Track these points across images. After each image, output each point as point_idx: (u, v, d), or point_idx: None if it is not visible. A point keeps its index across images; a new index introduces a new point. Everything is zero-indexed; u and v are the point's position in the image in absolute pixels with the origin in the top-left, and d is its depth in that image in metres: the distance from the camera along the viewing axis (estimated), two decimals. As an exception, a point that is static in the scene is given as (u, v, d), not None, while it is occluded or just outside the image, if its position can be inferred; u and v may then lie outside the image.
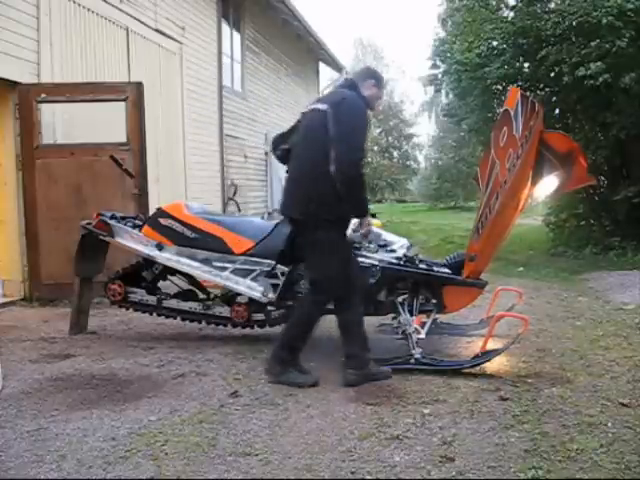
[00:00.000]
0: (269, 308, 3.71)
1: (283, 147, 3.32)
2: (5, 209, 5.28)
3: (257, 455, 2.26)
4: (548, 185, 3.26)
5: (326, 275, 3.03)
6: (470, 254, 3.34)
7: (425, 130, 32.88)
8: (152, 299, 3.91)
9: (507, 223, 3.29)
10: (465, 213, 21.59)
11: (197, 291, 3.98)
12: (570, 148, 3.17)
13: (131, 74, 6.64)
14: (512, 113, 3.11)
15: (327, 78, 20.25)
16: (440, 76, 9.91)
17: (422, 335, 3.26)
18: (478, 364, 3.15)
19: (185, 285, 3.99)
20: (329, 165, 2.88)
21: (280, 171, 11.21)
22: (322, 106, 3.00)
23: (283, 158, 3.34)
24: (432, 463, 2.18)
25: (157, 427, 2.51)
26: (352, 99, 3.00)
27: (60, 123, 5.46)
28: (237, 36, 10.62)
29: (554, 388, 2.89)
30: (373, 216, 7.00)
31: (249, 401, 2.81)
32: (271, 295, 3.60)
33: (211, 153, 9.17)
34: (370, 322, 3.90)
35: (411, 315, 3.32)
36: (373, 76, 3.19)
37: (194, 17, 8.51)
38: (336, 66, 17.07)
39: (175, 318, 3.93)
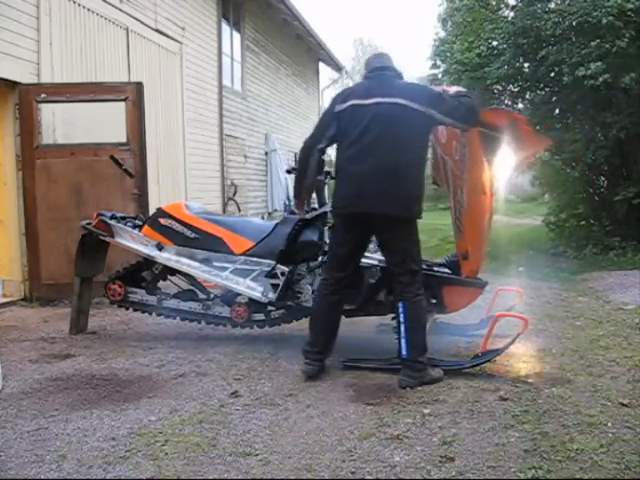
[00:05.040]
0: (269, 308, 3.71)
1: (321, 147, 3.21)
2: (5, 209, 5.28)
3: (257, 455, 2.26)
4: (507, 160, 3.27)
5: (421, 266, 3.16)
6: (462, 253, 3.33)
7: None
8: (152, 299, 3.91)
9: (483, 210, 3.27)
10: (465, 213, 21.56)
11: (197, 291, 3.98)
12: (510, 119, 3.19)
13: (131, 74, 6.64)
14: None
15: (327, 78, 20.25)
16: (440, 76, 9.90)
17: (422, 335, 3.25)
18: (478, 364, 3.15)
19: (185, 285, 3.99)
20: (421, 161, 3.07)
21: (280, 171, 11.23)
22: (402, 101, 2.99)
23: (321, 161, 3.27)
24: (432, 463, 2.17)
25: (157, 427, 2.51)
26: (421, 86, 3.39)
27: (60, 123, 5.46)
28: (237, 36, 10.63)
29: (554, 388, 2.89)
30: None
31: (249, 401, 2.81)
32: (271, 295, 3.60)
33: (211, 153, 9.17)
34: (370, 322, 3.92)
35: (411, 315, 3.32)
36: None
37: (194, 17, 8.51)
38: (336, 66, 17.08)
39: (175, 318, 3.93)
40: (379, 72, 3.16)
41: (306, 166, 3.23)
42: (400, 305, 3.03)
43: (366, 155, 2.99)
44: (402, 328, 3.01)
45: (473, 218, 3.23)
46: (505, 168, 3.33)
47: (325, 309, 3.20)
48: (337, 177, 3.15)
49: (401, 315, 3.02)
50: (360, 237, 3.14)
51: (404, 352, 3.01)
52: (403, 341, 3.00)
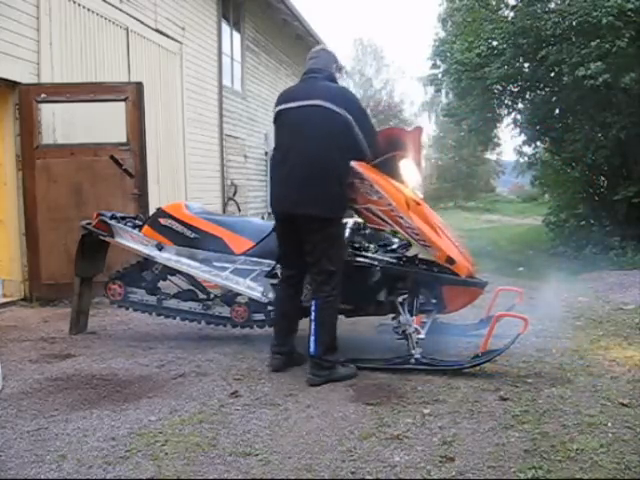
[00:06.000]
0: (269, 308, 3.71)
1: None
2: (5, 209, 5.28)
3: (257, 455, 2.26)
4: (409, 170, 3.36)
5: (340, 267, 3.15)
6: (447, 260, 3.31)
7: (425, 130, 32.84)
8: (152, 299, 3.91)
9: (429, 216, 3.33)
10: (465, 213, 21.61)
11: (197, 291, 3.98)
12: (383, 137, 3.33)
13: (131, 74, 6.64)
14: None
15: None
16: (440, 76, 9.93)
17: (422, 335, 3.25)
18: (478, 364, 3.15)
19: (185, 285, 3.99)
20: (340, 162, 3.07)
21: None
22: (322, 103, 3.04)
23: None
24: (432, 463, 2.18)
25: (157, 427, 2.51)
26: (347, 92, 3.29)
27: (60, 123, 5.46)
28: (237, 36, 10.62)
29: (554, 388, 2.89)
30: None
31: (249, 401, 2.81)
32: (271, 295, 3.60)
33: (211, 153, 9.17)
34: (370, 322, 3.92)
35: (411, 315, 3.32)
36: (335, 60, 3.36)
37: (194, 17, 8.51)
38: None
39: (175, 318, 3.93)
40: (309, 75, 3.24)
41: None
42: (313, 303, 3.09)
43: (288, 158, 3.09)
44: (312, 325, 3.07)
45: (428, 228, 3.26)
46: (412, 175, 3.40)
47: (281, 299, 3.33)
48: (271, 181, 3.28)
49: (312, 313, 3.08)
50: (293, 236, 3.17)
51: (312, 349, 3.05)
52: (312, 338, 3.05)
